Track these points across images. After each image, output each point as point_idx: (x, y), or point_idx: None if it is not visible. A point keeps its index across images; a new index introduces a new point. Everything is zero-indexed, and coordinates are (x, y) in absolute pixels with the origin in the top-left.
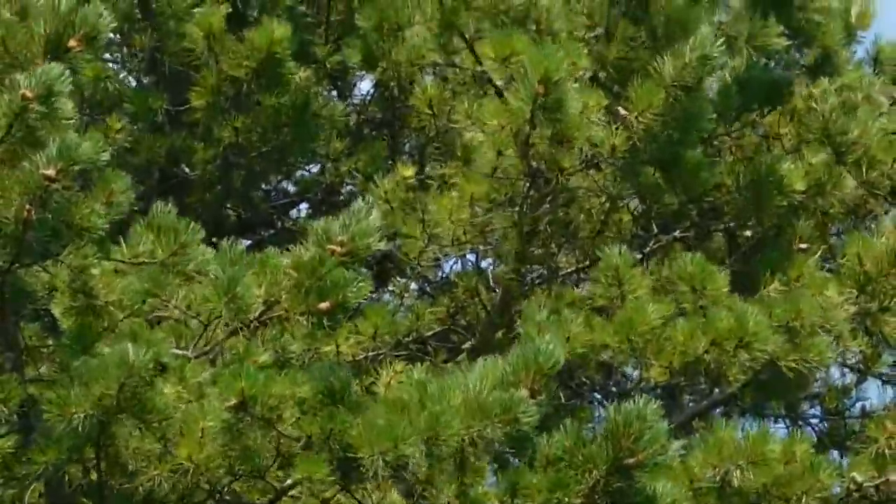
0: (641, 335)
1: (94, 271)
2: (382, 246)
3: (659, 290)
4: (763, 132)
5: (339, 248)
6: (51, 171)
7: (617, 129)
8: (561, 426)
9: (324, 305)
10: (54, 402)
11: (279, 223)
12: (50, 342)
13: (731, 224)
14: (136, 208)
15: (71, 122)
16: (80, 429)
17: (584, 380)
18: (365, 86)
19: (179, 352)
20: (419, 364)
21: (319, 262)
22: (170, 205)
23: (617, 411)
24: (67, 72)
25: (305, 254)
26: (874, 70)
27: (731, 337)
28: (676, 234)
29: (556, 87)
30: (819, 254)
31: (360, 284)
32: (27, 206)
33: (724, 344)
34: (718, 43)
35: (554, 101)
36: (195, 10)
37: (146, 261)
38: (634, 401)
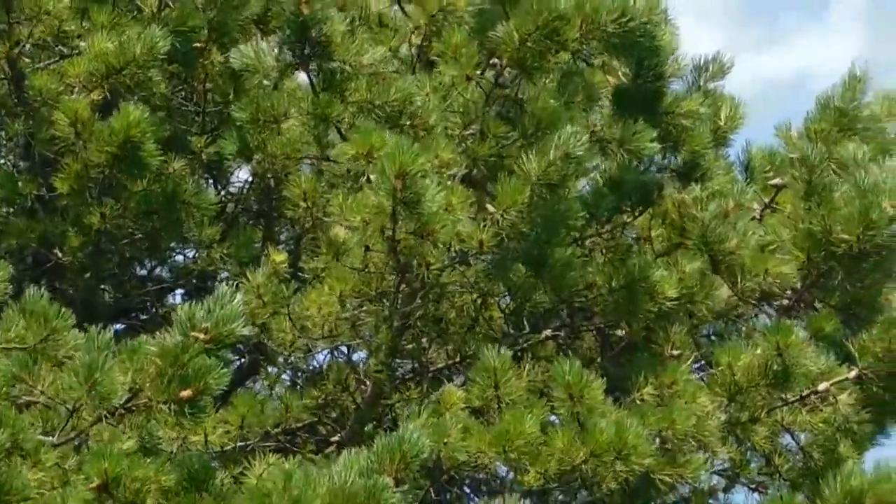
0: (518, 448)
1: None
2: (248, 332)
3: (534, 391)
4: (635, 234)
5: (203, 335)
6: None
7: (484, 225)
8: None
9: (186, 393)
10: None
11: (153, 309)
12: None
13: (603, 324)
14: (7, 293)
15: None
16: None
17: (454, 475)
18: (243, 174)
19: (45, 438)
20: (289, 456)
21: (183, 349)
22: (42, 290)
23: None
24: None
25: (170, 340)
26: (746, 177)
27: (610, 449)
28: (548, 332)
29: (414, 181)
30: (691, 360)
31: (222, 371)
32: None
33: (603, 455)
34: (583, 142)
35: (413, 195)
36: (65, 97)
37: (16, 346)
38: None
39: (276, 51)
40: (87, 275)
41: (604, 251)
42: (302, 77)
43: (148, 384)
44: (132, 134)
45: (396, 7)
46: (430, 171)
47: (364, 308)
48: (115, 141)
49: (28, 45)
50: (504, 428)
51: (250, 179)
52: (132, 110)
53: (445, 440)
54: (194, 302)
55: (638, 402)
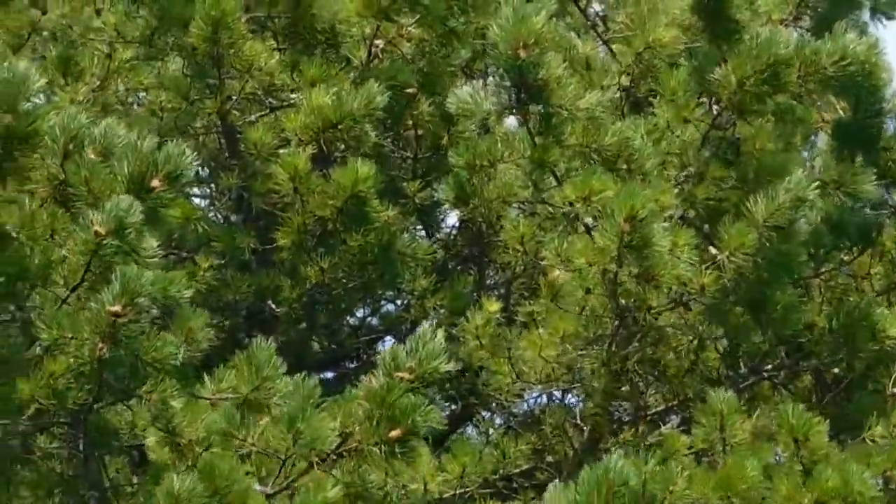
0: (740, 493)
1: (175, 404)
2: (451, 367)
3: (758, 434)
4: (852, 272)
5: (407, 375)
6: (117, 308)
7: (706, 268)
8: None
9: (395, 433)
10: None
11: (364, 356)
12: (135, 480)
13: (820, 365)
14: (212, 342)
15: (151, 256)
16: None
17: None
18: (451, 220)
19: (260, 488)
20: (507, 502)
21: (388, 390)
22: (270, 340)
23: None
24: (137, 202)
25: (375, 382)
26: None
27: (836, 496)
28: (765, 374)
29: (642, 224)
30: None
31: (429, 409)
32: (98, 344)
33: (829, 503)
34: (812, 186)
35: (640, 239)
36: (281, 150)
37: (230, 396)
38: None
39: (490, 94)
40: (301, 325)
41: (822, 291)
42: (511, 120)
43: (357, 428)
44: (359, 189)
45: (603, 48)
46: (656, 216)
47: (582, 352)
48: (341, 195)
49: (237, 100)
50: (726, 473)
51: (459, 225)
52: (359, 165)
53: (671, 488)
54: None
55: (869, 442)
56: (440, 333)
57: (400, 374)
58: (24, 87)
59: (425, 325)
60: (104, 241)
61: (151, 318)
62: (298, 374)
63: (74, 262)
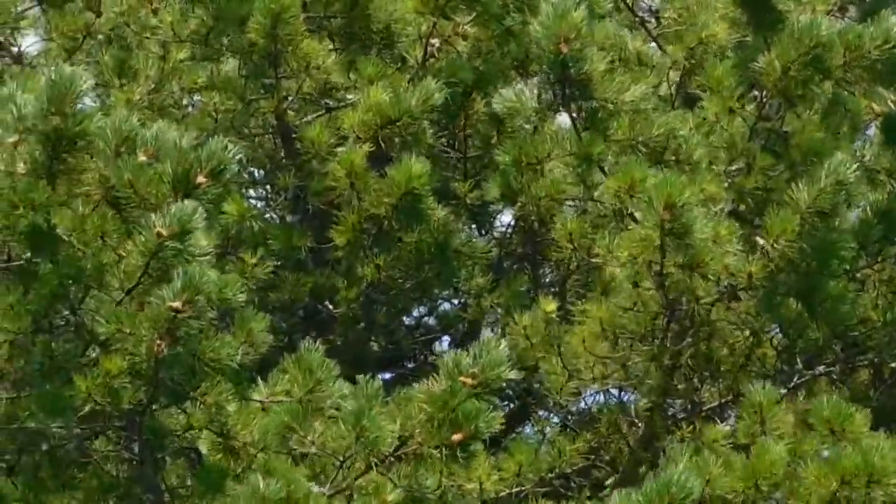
0: (767, 479)
1: (230, 408)
2: (514, 375)
3: (803, 425)
4: None
5: (470, 380)
6: (177, 304)
7: (754, 257)
8: None
9: (456, 437)
10: None
11: (422, 357)
12: (189, 483)
13: (876, 359)
14: (280, 345)
15: (206, 258)
16: None
17: None
18: (505, 219)
19: (316, 489)
20: (563, 501)
21: (451, 394)
22: (317, 342)
23: None
24: (201, 209)
25: (437, 386)
26: None
27: (860, 474)
28: (821, 369)
29: (682, 211)
30: None
31: (492, 415)
32: (157, 341)
33: (853, 482)
34: (853, 168)
35: (681, 227)
36: (338, 148)
37: (283, 399)
38: None
39: (536, 93)
40: (358, 325)
41: (876, 284)
42: (561, 119)
43: (418, 430)
44: (413, 186)
45: (654, 44)
46: (697, 204)
47: (634, 348)
48: (395, 193)
49: (294, 99)
50: (752, 461)
51: (513, 223)
52: (413, 163)
53: (708, 477)
54: (462, 348)
55: None
56: (504, 343)
57: (463, 380)
58: (71, 88)
59: (489, 335)
60: (165, 244)
61: (209, 318)
62: (361, 375)
63: (132, 265)
